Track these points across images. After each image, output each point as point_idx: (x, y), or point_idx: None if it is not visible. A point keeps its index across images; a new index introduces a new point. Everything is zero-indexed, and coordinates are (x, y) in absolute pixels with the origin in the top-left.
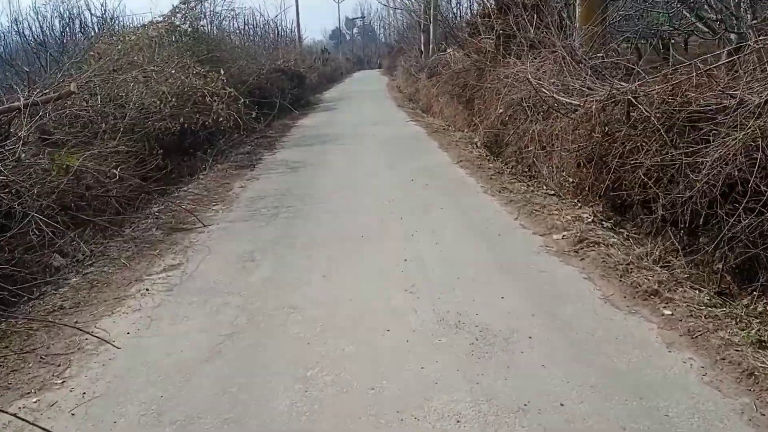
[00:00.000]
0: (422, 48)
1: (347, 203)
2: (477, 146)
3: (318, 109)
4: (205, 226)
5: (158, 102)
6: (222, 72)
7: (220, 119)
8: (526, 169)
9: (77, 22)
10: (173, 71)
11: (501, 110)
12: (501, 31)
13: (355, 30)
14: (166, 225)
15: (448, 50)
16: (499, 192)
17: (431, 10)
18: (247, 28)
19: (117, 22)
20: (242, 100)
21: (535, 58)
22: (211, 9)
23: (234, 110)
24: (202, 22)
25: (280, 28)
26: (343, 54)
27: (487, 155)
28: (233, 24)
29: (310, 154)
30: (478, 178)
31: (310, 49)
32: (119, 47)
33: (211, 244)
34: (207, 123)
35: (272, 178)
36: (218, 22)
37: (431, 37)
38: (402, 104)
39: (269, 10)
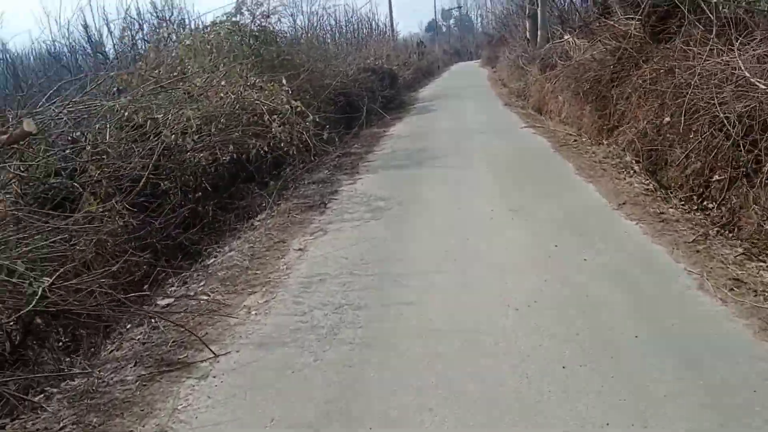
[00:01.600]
0: (528, 36)
1: (448, 303)
2: (634, 171)
3: (413, 111)
4: (215, 356)
5: (201, 125)
6: (284, 81)
7: (282, 143)
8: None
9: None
10: (223, 83)
11: (668, 119)
12: (654, 8)
13: (451, 21)
14: (152, 356)
15: (566, 37)
16: (732, 290)
17: None
18: (334, 23)
19: (180, 24)
20: (311, 117)
21: (747, 44)
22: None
23: (301, 129)
24: (274, 19)
25: (372, 22)
26: (440, 46)
27: (655, 189)
28: (323, 22)
29: (400, 183)
30: (669, 246)
31: (405, 43)
32: (171, 55)
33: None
34: (264, 149)
35: (344, 232)
36: (292, 20)
37: (539, 23)
38: (509, 102)
39: (358, 3)
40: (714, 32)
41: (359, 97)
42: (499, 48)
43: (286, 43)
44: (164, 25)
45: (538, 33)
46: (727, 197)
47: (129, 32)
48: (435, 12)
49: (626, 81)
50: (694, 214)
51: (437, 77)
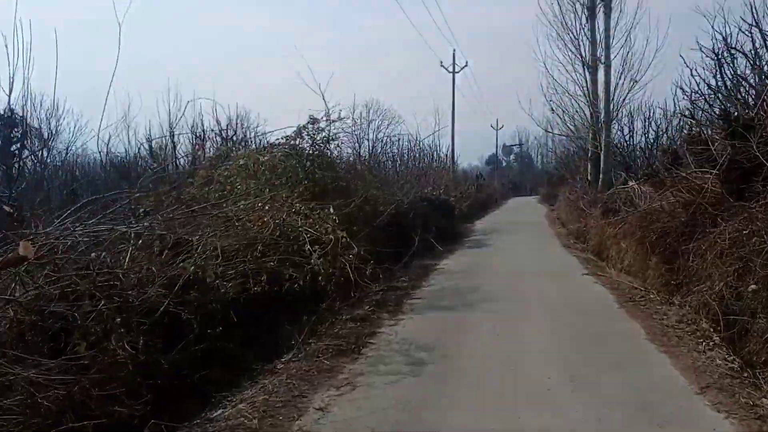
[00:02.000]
0: (589, 178)
1: None
2: (714, 342)
3: (467, 244)
4: None
5: (237, 252)
6: (332, 209)
7: (320, 276)
8: None
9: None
10: (267, 207)
11: (753, 285)
12: (733, 163)
13: (512, 156)
14: None
15: (630, 183)
16: None
17: (602, 138)
18: (396, 151)
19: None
20: (355, 249)
21: None
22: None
23: (345, 261)
24: (333, 145)
25: (434, 152)
26: (499, 180)
27: (742, 368)
28: (386, 149)
29: (446, 329)
30: None
31: (464, 174)
32: (224, 174)
33: None
34: (299, 282)
35: (376, 389)
36: (357, 145)
37: (602, 167)
38: (567, 243)
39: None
40: None
41: (413, 227)
42: (557, 187)
43: (345, 168)
44: (226, 143)
45: (600, 177)
46: None
47: (163, 151)
48: (496, 147)
49: (700, 237)
50: None
51: (494, 210)
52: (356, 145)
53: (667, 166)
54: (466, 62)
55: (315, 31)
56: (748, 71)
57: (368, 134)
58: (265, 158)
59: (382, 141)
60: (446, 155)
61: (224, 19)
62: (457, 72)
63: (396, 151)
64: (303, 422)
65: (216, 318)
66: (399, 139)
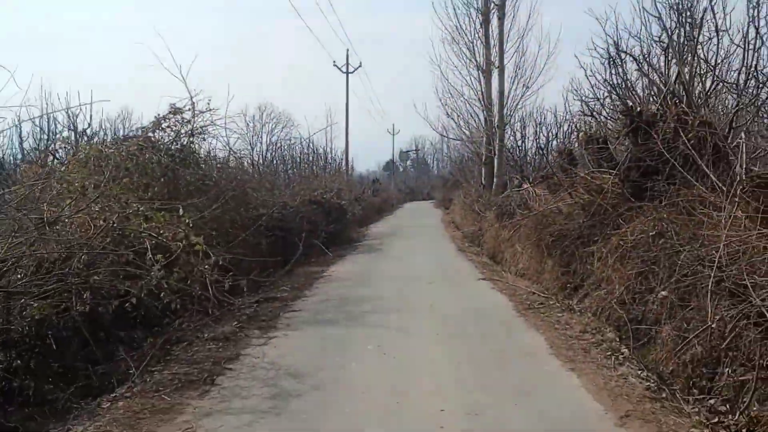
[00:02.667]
0: (483, 182)
1: None
2: (623, 356)
3: (359, 249)
4: None
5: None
6: (182, 211)
7: (162, 292)
8: None
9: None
10: (97, 208)
11: (664, 293)
12: (634, 161)
13: (408, 162)
14: None
15: (525, 186)
16: None
17: (496, 142)
18: (287, 154)
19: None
20: (213, 258)
21: None
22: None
23: (201, 272)
24: (200, 139)
25: (328, 154)
26: (395, 185)
27: (659, 387)
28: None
29: (324, 349)
30: None
31: (361, 179)
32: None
33: None
34: (132, 299)
35: None
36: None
37: (495, 171)
38: (463, 247)
39: (318, 138)
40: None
41: (300, 232)
42: (453, 191)
43: (220, 165)
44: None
45: (494, 180)
46: (743, 401)
47: None
48: (393, 152)
49: (599, 239)
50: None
51: (390, 214)
52: (248, 147)
53: (563, 167)
54: (360, 63)
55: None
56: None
57: (261, 137)
58: (110, 150)
59: (275, 144)
60: (341, 159)
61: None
62: (352, 72)
63: (288, 154)
64: None
65: (20, 346)
66: (293, 142)
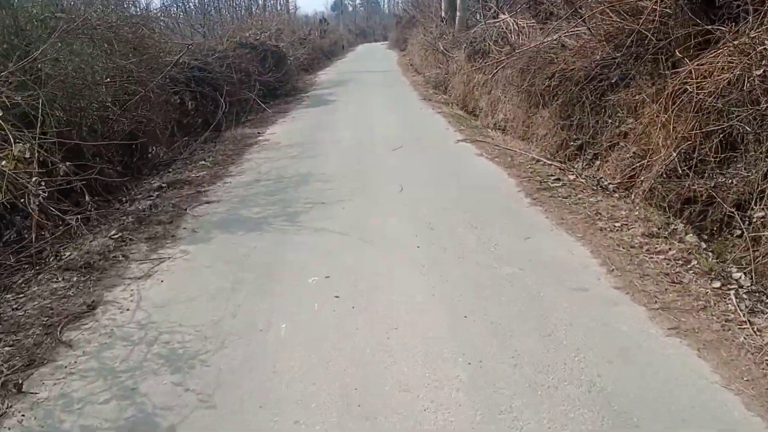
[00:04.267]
0: (444, 16)
1: None
2: (738, 284)
3: (305, 102)
4: None
5: None
6: None
7: None
8: None
9: None
10: None
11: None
12: None
13: (358, 1)
14: None
15: (502, 17)
16: None
17: None
18: None
19: None
20: (35, 175)
21: None
22: None
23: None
24: None
25: None
26: (345, 26)
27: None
28: None
29: (235, 291)
30: None
31: (307, 20)
32: None
33: None
34: None
35: None
36: None
37: (458, 3)
38: (426, 94)
39: None
40: None
41: (230, 85)
42: (408, 30)
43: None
44: None
45: (457, 15)
46: None
47: None
48: None
49: (634, 81)
50: None
51: (340, 58)
52: None
53: None
54: None
55: None
56: None
57: None
58: None
59: None
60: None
61: None
62: None
63: None
64: None
65: None
66: None
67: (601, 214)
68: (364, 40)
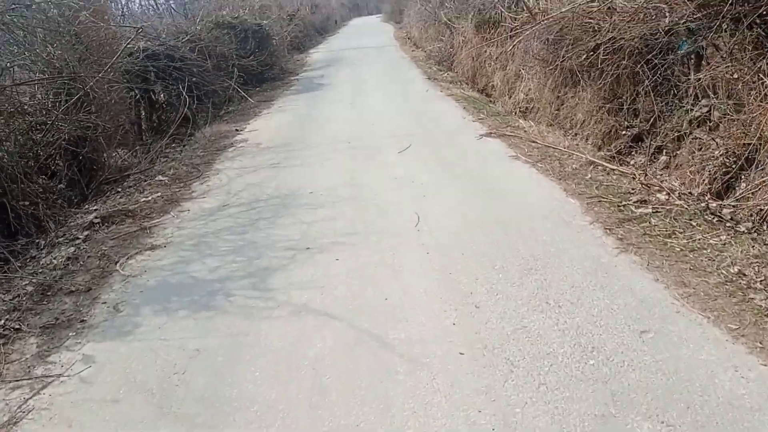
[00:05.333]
0: None
1: None
2: None
3: (294, 86)
4: None
5: None
6: None
7: None
8: None
9: None
10: None
11: None
12: None
13: None
14: None
15: None
16: None
17: None
18: None
19: None
20: None
21: None
22: None
23: None
24: None
25: None
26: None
27: None
28: None
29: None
30: None
31: None
32: None
33: None
34: None
35: None
36: None
37: None
38: (430, 72)
39: None
40: None
41: (204, 73)
42: (404, 0)
43: None
44: None
45: None
46: None
47: None
48: None
49: (726, 50)
50: None
51: (334, 34)
52: None
53: None
54: None
55: None
56: None
57: None
58: None
59: None
60: None
61: None
62: None
63: None
64: None
65: None
66: None
67: (745, 274)
68: (358, 13)
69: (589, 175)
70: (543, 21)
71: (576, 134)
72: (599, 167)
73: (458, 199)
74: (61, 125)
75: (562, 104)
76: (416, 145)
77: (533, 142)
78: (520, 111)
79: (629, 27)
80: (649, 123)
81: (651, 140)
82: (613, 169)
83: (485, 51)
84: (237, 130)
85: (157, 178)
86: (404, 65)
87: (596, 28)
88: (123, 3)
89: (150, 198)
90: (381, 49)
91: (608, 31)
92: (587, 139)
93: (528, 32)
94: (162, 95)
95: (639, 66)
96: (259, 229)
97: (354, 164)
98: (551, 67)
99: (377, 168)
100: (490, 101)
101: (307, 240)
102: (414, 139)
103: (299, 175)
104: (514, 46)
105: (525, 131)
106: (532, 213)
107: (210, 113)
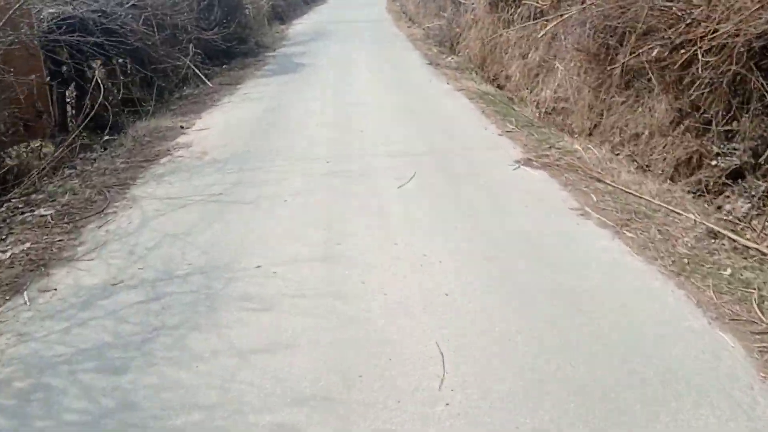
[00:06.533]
0: None
1: None
2: None
3: (268, 65)
4: None
5: None
6: None
7: None
8: None
9: None
10: None
11: None
12: None
13: None
14: None
15: None
16: None
17: None
18: None
19: None
20: None
21: None
22: None
23: None
24: None
25: None
26: None
27: None
28: None
29: None
30: None
31: None
32: None
33: None
34: None
35: None
36: None
37: None
38: (432, 56)
39: None
40: None
41: (150, 48)
42: None
43: None
44: None
45: None
46: None
47: None
48: None
49: None
50: None
51: (321, 3)
52: None
53: None
54: None
55: None
56: None
57: None
58: None
59: None
60: None
61: None
62: None
63: None
64: None
65: None
66: None
67: None
68: None
69: (716, 261)
70: (594, 2)
71: (629, 154)
72: (719, 241)
73: (512, 320)
74: None
75: (609, 110)
76: (423, 174)
77: (598, 180)
78: (546, 113)
79: (740, 21)
80: (756, 154)
81: (760, 177)
82: (746, 246)
83: (500, 34)
84: (182, 127)
85: (39, 211)
86: (399, 45)
87: (681, 17)
88: None
89: (7, 255)
90: (373, 23)
91: (700, 25)
92: (648, 165)
93: (571, 15)
94: (98, 74)
95: (753, 73)
96: (151, 362)
97: (333, 209)
98: (604, 64)
99: (369, 220)
100: (510, 99)
101: (240, 402)
102: (419, 164)
103: (247, 224)
104: (547, 31)
105: (580, 159)
106: (669, 375)
107: (153, 101)
